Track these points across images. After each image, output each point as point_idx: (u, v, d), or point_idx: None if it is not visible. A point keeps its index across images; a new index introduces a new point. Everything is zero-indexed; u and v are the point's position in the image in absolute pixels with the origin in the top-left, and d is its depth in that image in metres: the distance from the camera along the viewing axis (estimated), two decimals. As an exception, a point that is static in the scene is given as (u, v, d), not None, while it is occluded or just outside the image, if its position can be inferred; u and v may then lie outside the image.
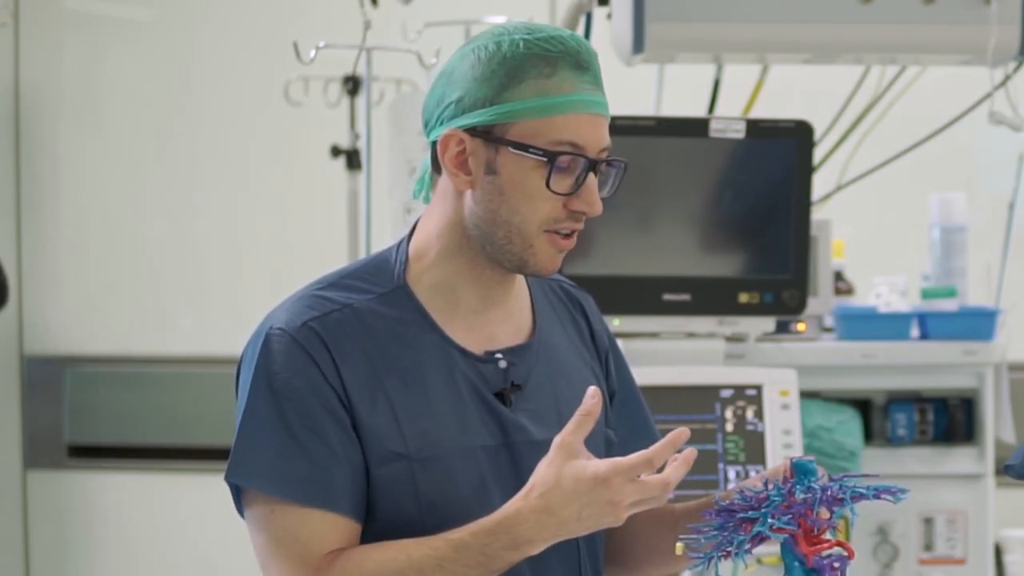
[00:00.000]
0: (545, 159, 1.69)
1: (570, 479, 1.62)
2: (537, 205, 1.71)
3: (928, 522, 2.91)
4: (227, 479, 1.72)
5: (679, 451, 1.64)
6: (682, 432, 1.63)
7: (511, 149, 1.70)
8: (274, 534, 1.69)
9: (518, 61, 1.70)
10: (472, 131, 1.72)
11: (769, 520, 1.61)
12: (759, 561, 2.63)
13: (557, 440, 1.64)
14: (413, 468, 1.70)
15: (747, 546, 1.62)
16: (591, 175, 1.71)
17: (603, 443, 1.86)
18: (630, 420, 1.91)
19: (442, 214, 1.78)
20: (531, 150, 1.70)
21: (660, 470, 1.64)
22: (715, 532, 1.64)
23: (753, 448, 2.58)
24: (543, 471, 1.64)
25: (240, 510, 1.75)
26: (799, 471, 1.66)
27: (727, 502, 1.66)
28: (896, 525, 2.90)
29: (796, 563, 1.64)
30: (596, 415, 1.65)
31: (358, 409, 1.70)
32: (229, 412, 1.78)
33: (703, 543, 1.64)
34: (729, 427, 2.58)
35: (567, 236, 1.74)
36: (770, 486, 1.66)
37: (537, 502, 1.62)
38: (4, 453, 4.67)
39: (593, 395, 1.66)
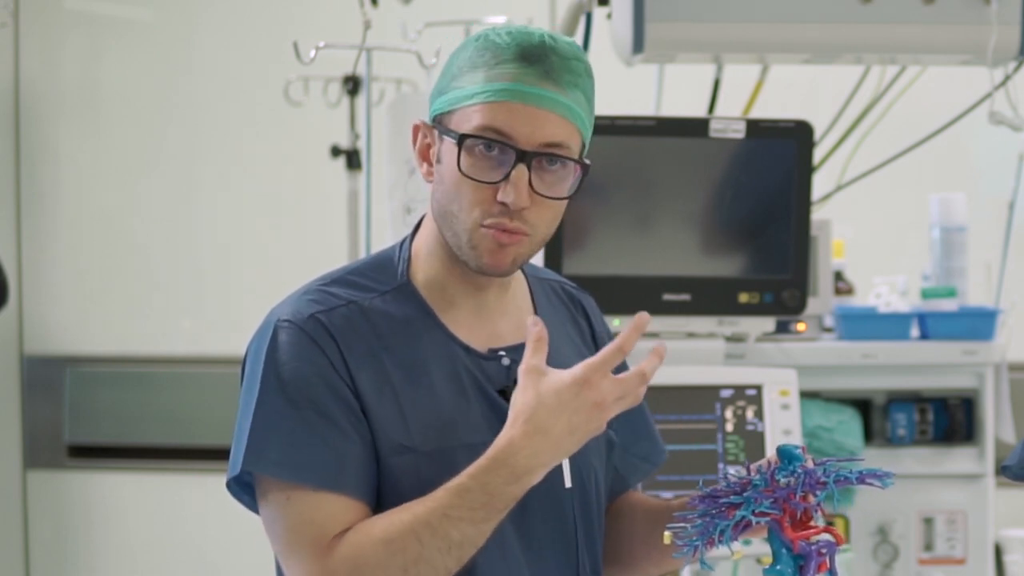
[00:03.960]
0: (456, 141, 1.69)
1: (551, 393, 1.62)
2: (464, 192, 1.70)
3: (928, 522, 2.91)
4: (244, 468, 1.70)
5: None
6: (642, 316, 1.67)
7: (440, 135, 1.72)
8: (291, 521, 1.69)
9: (471, 52, 1.72)
10: (431, 122, 1.75)
11: (752, 504, 1.61)
12: (758, 561, 2.64)
13: (523, 368, 1.65)
14: (418, 461, 1.71)
15: (731, 532, 1.61)
16: (521, 167, 1.68)
17: (604, 444, 1.87)
18: (631, 421, 1.90)
19: (429, 209, 1.79)
20: (450, 134, 1.70)
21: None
22: (700, 520, 1.63)
23: (753, 448, 2.58)
24: (521, 398, 1.64)
25: (249, 506, 1.75)
26: (783, 456, 1.66)
27: (711, 488, 1.66)
28: (896, 525, 2.90)
29: (783, 549, 1.63)
30: (546, 339, 1.66)
31: (366, 401, 1.71)
32: (229, 412, 1.78)
33: (690, 531, 1.64)
34: (729, 427, 2.58)
35: (508, 232, 1.70)
36: (754, 472, 1.66)
37: (526, 426, 1.63)
38: (4, 453, 4.67)
39: (534, 323, 1.67)
